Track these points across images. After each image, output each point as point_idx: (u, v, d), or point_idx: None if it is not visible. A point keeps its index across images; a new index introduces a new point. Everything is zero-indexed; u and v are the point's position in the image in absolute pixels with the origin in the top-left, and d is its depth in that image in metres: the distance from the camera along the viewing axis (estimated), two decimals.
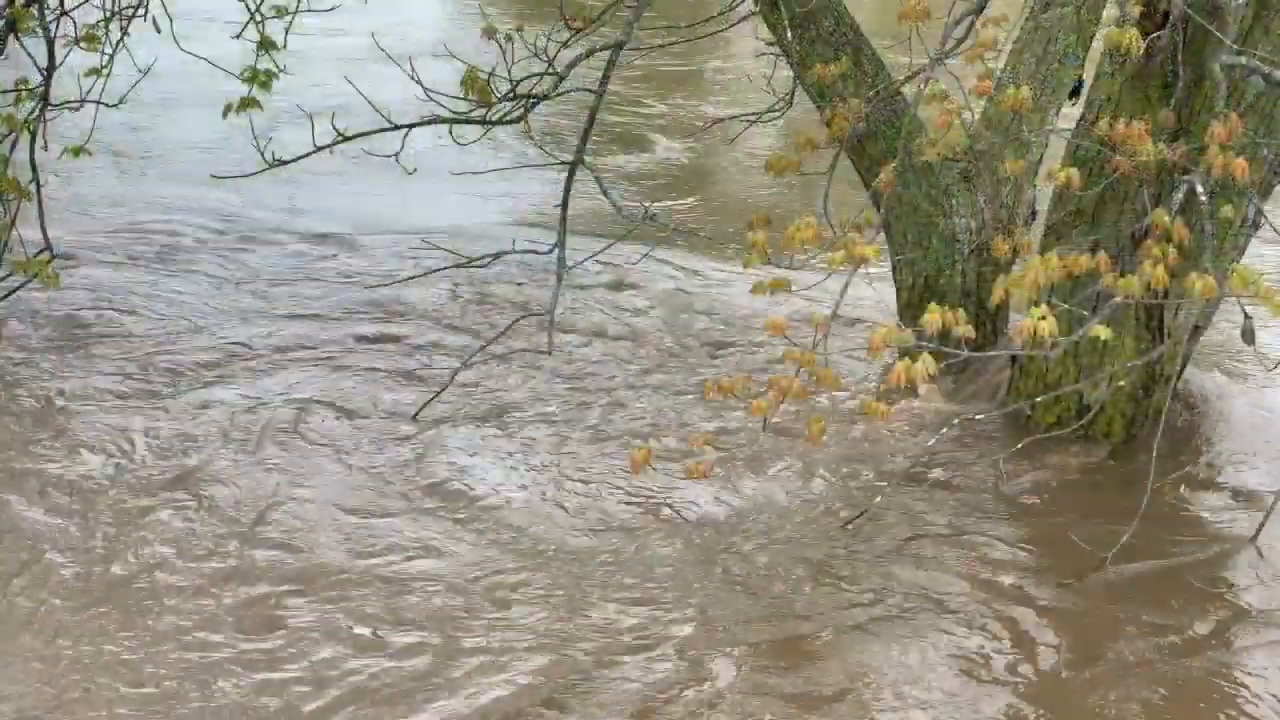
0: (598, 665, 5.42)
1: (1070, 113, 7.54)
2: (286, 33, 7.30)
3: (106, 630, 5.47)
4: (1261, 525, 6.28)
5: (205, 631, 5.49)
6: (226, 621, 5.55)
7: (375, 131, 6.74)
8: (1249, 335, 5.93)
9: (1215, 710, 5.36)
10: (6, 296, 7.56)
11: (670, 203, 10.55)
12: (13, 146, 6.98)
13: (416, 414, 7.08)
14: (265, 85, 7.13)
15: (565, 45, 6.76)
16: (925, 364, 5.21)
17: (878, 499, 6.42)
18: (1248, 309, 5.71)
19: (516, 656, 5.43)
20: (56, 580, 5.75)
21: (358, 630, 5.54)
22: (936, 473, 6.79)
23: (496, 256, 6.85)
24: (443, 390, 7.11)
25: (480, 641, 5.51)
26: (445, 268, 7.18)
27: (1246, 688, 5.47)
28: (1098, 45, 6.88)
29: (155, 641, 5.40)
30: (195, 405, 7.17)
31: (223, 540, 6.05)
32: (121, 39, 7.49)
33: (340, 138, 6.61)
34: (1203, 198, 5.60)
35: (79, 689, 5.18)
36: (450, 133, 6.67)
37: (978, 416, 7.04)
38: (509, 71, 6.61)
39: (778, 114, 7.38)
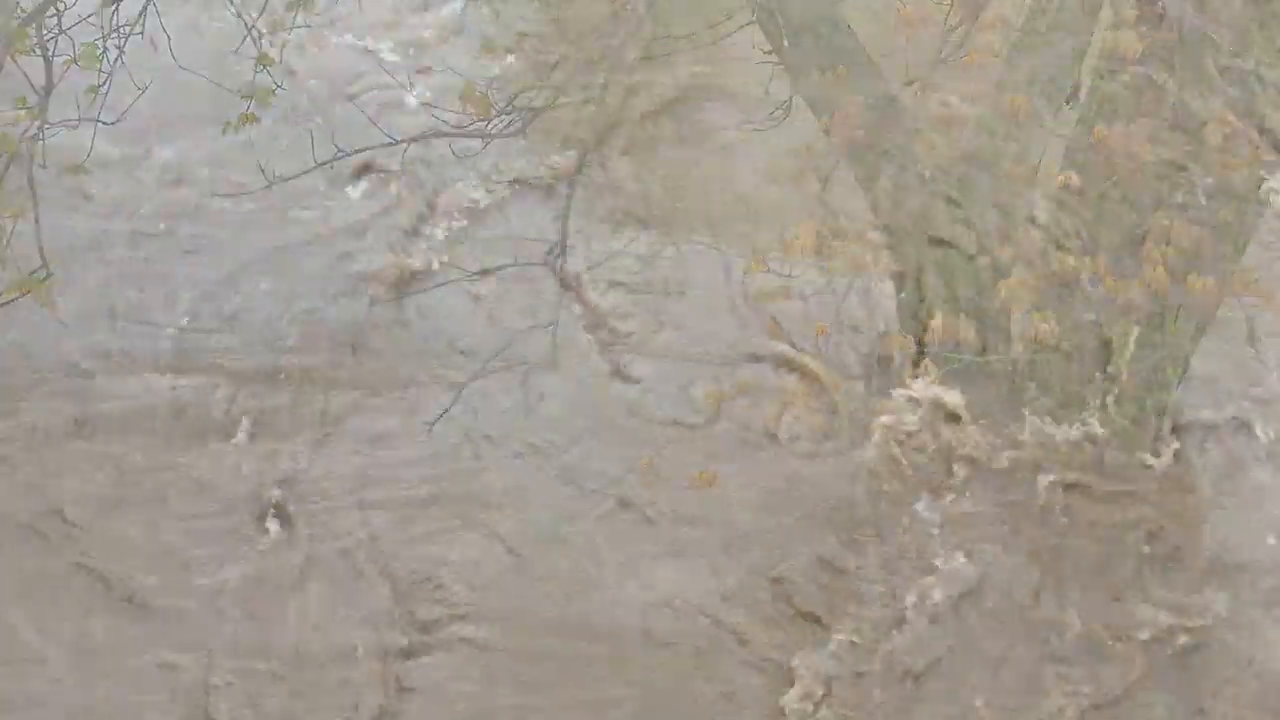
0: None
1: (1069, 116, 7.54)
2: (283, 48, 7.32)
3: None
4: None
5: None
6: None
7: (374, 147, 6.74)
8: (1251, 337, 5.94)
9: None
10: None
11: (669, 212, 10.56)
12: (7, 165, 6.97)
13: (431, 425, 7.10)
14: (264, 101, 7.13)
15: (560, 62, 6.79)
16: (928, 370, 5.22)
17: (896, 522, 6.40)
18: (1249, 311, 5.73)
19: None
20: None
21: None
22: (937, 484, 6.80)
23: (498, 270, 6.86)
24: (453, 404, 7.12)
25: None
26: (445, 283, 7.16)
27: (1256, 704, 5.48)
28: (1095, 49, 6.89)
29: None
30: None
31: None
32: (119, 57, 7.48)
33: (339, 153, 6.61)
34: (1202, 200, 5.61)
35: None
36: (450, 147, 6.69)
37: (979, 423, 7.04)
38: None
39: (775, 122, 7.38)
